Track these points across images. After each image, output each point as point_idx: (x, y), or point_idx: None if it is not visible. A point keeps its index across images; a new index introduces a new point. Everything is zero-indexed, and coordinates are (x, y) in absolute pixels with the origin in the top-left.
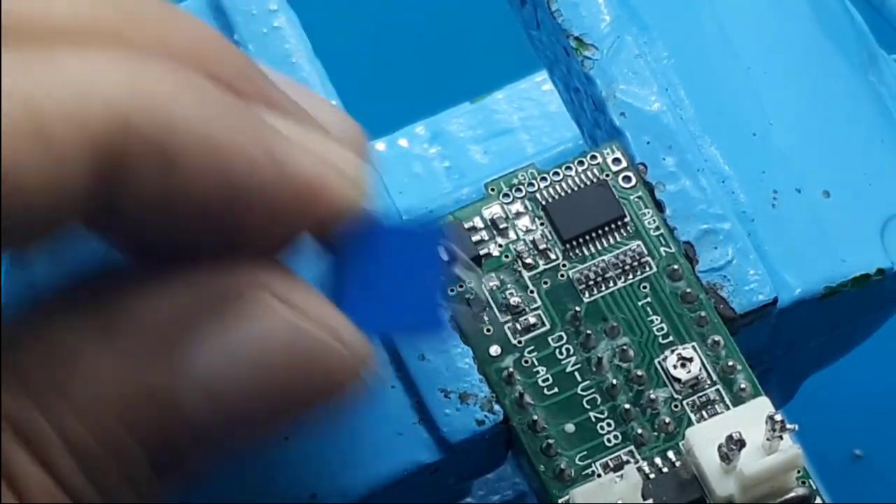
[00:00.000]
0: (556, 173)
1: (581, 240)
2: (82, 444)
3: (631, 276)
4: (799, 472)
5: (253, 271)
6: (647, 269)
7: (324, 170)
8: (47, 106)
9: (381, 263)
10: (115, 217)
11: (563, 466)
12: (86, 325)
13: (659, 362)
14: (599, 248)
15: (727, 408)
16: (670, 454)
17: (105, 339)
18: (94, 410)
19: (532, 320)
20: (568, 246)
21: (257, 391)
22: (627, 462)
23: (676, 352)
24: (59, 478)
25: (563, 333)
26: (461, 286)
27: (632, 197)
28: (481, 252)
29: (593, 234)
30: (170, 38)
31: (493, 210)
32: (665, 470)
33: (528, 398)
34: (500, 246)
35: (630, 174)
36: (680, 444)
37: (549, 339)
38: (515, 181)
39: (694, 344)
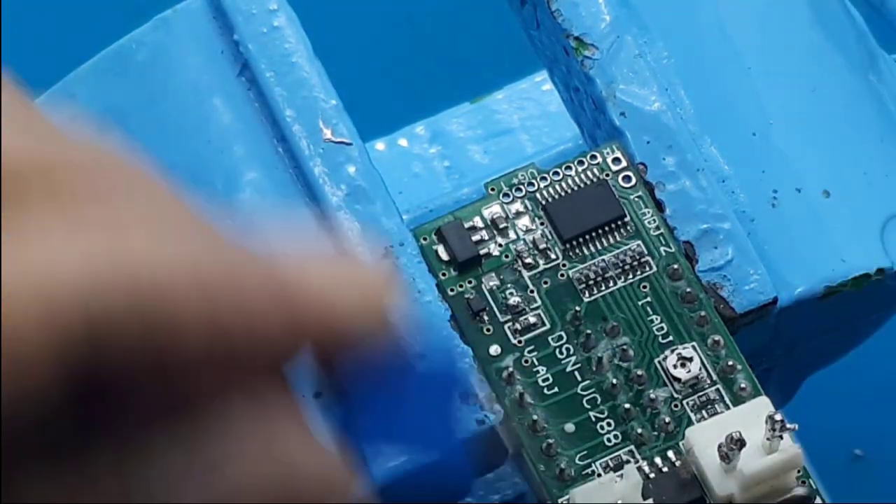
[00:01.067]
0: (556, 173)
1: (581, 239)
2: None
3: (631, 276)
4: (799, 471)
5: (240, 424)
6: (647, 268)
7: (334, 284)
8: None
9: (395, 396)
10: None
11: (563, 466)
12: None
13: (659, 362)
14: (599, 247)
15: (727, 407)
16: (670, 454)
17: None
18: None
19: (532, 320)
20: (568, 245)
21: None
22: (627, 462)
23: (676, 351)
24: None
25: (563, 333)
26: (462, 286)
27: (632, 196)
28: (481, 252)
29: (593, 234)
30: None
31: (493, 210)
32: (665, 469)
33: (528, 398)
34: (500, 246)
35: (630, 174)
36: (680, 443)
37: (550, 338)
38: (515, 181)
39: (694, 343)
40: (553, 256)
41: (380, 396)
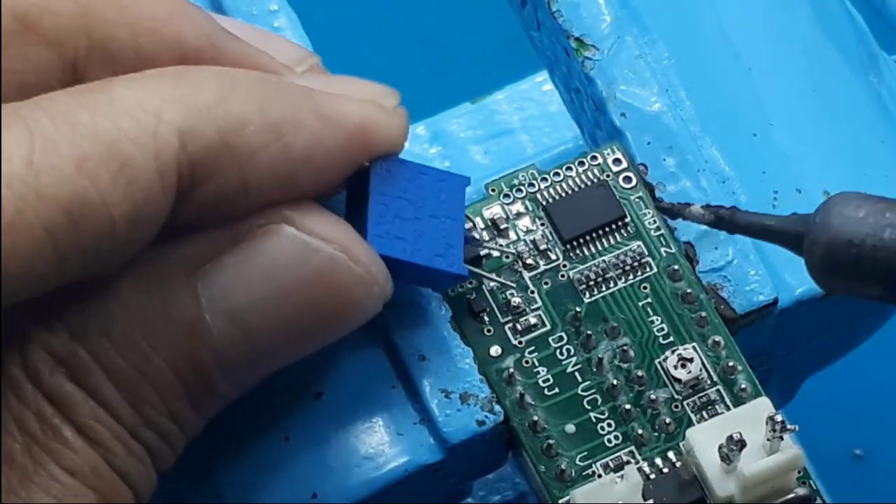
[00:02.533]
0: (557, 174)
1: (581, 240)
2: (122, 372)
3: (631, 277)
4: (799, 472)
5: (274, 207)
6: (648, 269)
7: (368, 110)
8: (119, 138)
9: (407, 197)
10: (183, 212)
11: (563, 467)
12: (121, 269)
13: (659, 363)
14: (600, 248)
15: (728, 408)
16: (671, 454)
17: (137, 277)
18: (130, 342)
19: (532, 321)
20: (568, 246)
21: (277, 311)
22: (628, 462)
23: (677, 352)
24: (105, 405)
25: (563, 334)
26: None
27: (632, 197)
28: (482, 253)
29: (594, 235)
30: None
31: (494, 210)
32: (665, 470)
33: (528, 398)
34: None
35: (630, 174)
36: (680, 444)
37: (550, 339)
38: (516, 182)
39: (694, 344)
40: (553, 257)
41: (398, 203)
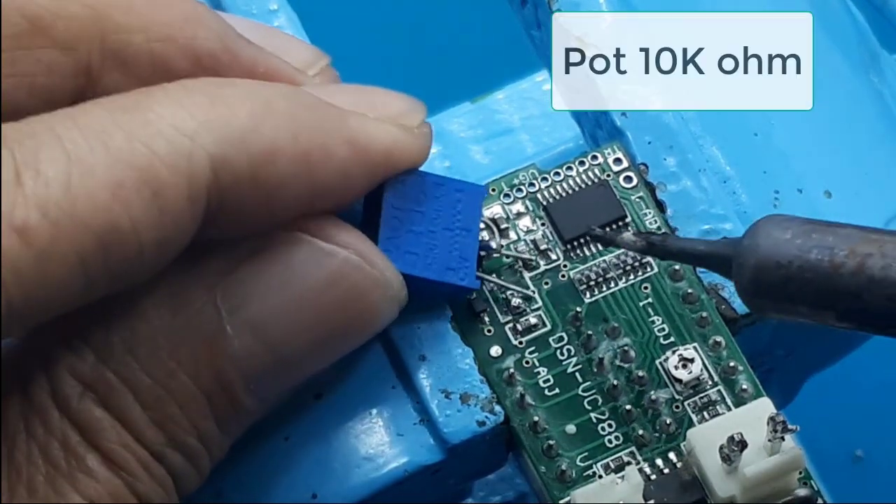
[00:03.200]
0: (557, 173)
1: (582, 240)
2: (148, 391)
3: (632, 277)
4: (801, 473)
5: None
6: (649, 269)
7: (395, 135)
8: (154, 163)
9: (422, 209)
10: (207, 233)
11: (564, 467)
12: (142, 287)
13: (660, 363)
14: (600, 248)
15: (729, 409)
16: (671, 455)
17: (158, 293)
18: (155, 359)
19: (533, 321)
20: (569, 246)
21: (296, 318)
22: (629, 463)
23: (678, 352)
24: (132, 427)
25: (563, 334)
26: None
27: (633, 197)
28: (481, 253)
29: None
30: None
31: (494, 210)
32: (666, 471)
33: (529, 399)
34: (502, 246)
35: (631, 174)
36: (681, 444)
37: (550, 339)
38: (516, 181)
39: (695, 344)
40: (554, 257)
41: (412, 216)
